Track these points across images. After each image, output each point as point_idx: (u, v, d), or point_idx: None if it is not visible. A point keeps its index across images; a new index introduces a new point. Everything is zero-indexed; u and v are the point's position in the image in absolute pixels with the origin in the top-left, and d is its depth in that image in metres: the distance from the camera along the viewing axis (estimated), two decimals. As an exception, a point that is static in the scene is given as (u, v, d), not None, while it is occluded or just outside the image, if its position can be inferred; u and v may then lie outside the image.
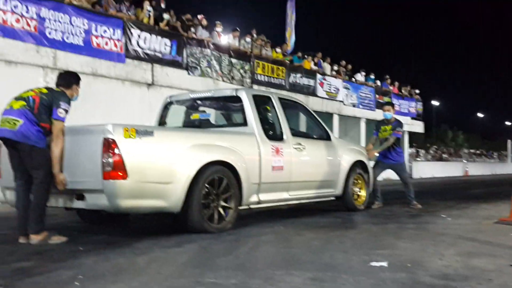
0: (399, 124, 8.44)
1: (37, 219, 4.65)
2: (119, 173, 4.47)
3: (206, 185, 5.22)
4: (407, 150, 25.68)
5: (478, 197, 11.03)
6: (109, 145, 4.46)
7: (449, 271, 3.51)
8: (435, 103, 48.50)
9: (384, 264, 3.71)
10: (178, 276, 3.38)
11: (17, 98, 4.72)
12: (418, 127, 26.74)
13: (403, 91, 25.50)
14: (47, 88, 4.96)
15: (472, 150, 41.95)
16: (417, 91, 26.85)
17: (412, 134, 26.81)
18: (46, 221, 4.77)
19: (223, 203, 5.47)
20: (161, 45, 12.84)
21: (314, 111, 7.80)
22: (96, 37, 11.25)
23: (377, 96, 22.71)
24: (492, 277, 3.33)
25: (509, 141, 42.93)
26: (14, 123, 4.55)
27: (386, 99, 23.26)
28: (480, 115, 59.78)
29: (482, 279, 3.25)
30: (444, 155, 36.16)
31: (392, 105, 8.87)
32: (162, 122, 6.96)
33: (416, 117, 26.27)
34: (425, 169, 28.65)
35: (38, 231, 4.65)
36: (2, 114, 4.70)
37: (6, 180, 5.26)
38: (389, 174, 9.77)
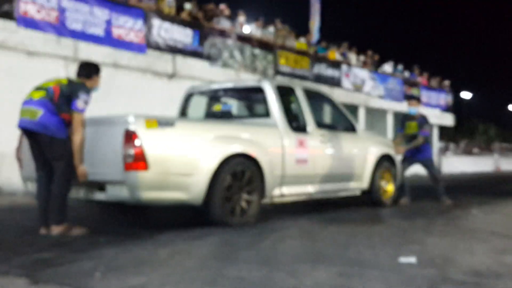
0: (425, 120, 8.08)
1: (58, 210, 4.64)
2: (140, 164, 4.42)
3: (229, 177, 5.13)
4: (436, 144, 25.24)
5: (510, 193, 10.75)
6: (130, 136, 4.41)
7: (481, 268, 3.38)
8: (466, 95, 47.62)
9: (413, 260, 3.58)
10: (200, 269, 3.32)
11: (37, 88, 4.70)
12: (448, 120, 26.13)
13: (432, 82, 24.98)
14: (67, 78, 4.93)
15: (504, 144, 41.07)
16: (448, 82, 26.25)
17: (441, 128, 26.32)
18: (67, 213, 4.75)
19: (245, 196, 5.37)
20: (182, 35, 12.76)
21: (340, 104, 7.64)
22: (117, 27, 11.23)
23: (405, 87, 22.29)
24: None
25: None
26: (34, 114, 4.53)
27: (414, 90, 22.88)
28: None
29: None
30: (475, 150, 35.48)
31: (418, 99, 8.59)
32: (183, 113, 6.90)
33: (446, 109, 25.69)
34: (455, 164, 28.10)
35: (59, 222, 4.63)
36: (22, 104, 4.69)
37: (27, 171, 5.27)
38: (417, 170, 9.54)
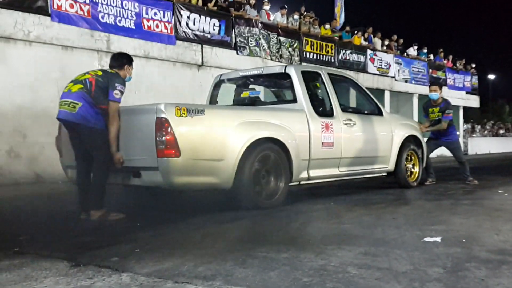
0: (447, 105, 8.09)
1: (97, 196, 4.86)
2: (172, 151, 4.57)
3: (257, 161, 5.28)
4: (462, 126, 24.94)
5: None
6: (162, 124, 4.57)
7: (506, 246, 3.41)
8: (491, 76, 46.68)
9: (438, 239, 3.65)
10: (230, 250, 3.45)
11: (75, 82, 4.89)
12: (474, 102, 25.84)
13: (457, 65, 24.63)
14: (102, 70, 5.13)
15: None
16: (473, 65, 25.89)
17: (467, 109, 25.98)
18: (105, 198, 4.96)
19: (273, 180, 5.52)
20: (210, 25, 12.91)
21: (366, 88, 7.67)
22: (147, 20, 11.44)
23: (430, 70, 22.06)
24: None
25: None
26: (74, 106, 4.73)
27: (440, 73, 22.62)
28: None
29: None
30: (501, 131, 34.81)
31: (439, 85, 8.59)
32: (213, 101, 7.03)
33: (472, 91, 25.38)
34: (481, 145, 27.72)
35: (98, 208, 4.85)
36: (61, 97, 4.90)
37: (67, 159, 5.49)
38: (443, 151, 9.52)
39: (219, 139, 5.01)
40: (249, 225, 4.53)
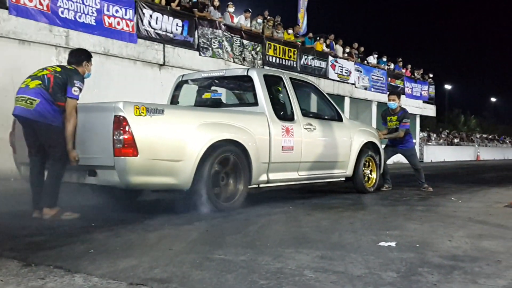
0: (405, 114, 8.31)
1: (51, 194, 4.74)
2: (130, 150, 4.51)
3: (216, 163, 5.26)
4: (418, 134, 25.57)
5: (489, 181, 10.98)
6: (120, 122, 4.49)
7: (458, 252, 3.50)
8: (448, 87, 48.09)
9: (393, 244, 3.72)
10: (188, 252, 3.42)
11: (33, 77, 4.77)
12: (430, 110, 26.58)
13: (415, 74, 25.30)
14: (60, 66, 5.01)
15: (484, 135, 41.62)
16: (431, 75, 26.64)
17: (423, 118, 26.69)
18: (60, 197, 4.84)
19: (232, 182, 5.51)
20: (172, 25, 12.82)
21: (326, 94, 7.76)
22: (108, 17, 11.26)
23: (389, 79, 22.57)
24: (501, 258, 3.32)
25: None
26: (31, 102, 4.61)
27: (398, 82, 23.15)
28: (493, 99, 59.19)
29: (490, 261, 3.24)
30: (456, 140, 35.92)
31: (398, 94, 8.76)
32: (174, 101, 6.98)
33: (428, 100, 26.12)
34: (436, 153, 28.54)
35: (51, 206, 4.73)
36: (17, 92, 4.76)
37: (21, 155, 5.34)
38: (399, 158, 9.73)
39: (178, 139, 4.96)
40: (207, 227, 4.49)
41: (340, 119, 7.40)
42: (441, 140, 33.89)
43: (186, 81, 7.02)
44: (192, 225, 4.55)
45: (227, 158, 5.40)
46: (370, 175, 7.86)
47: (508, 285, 2.72)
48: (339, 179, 7.46)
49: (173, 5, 12.97)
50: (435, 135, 33.72)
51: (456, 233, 4.26)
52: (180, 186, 5.04)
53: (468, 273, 2.94)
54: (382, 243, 3.75)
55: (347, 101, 19.90)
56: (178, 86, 7.03)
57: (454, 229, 4.45)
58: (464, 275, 2.89)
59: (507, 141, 44.12)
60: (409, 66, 25.04)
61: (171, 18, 12.76)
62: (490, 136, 42.41)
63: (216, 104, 6.54)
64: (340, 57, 19.65)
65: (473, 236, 4.13)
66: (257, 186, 5.96)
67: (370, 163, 7.83)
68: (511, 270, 3.04)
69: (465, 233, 4.25)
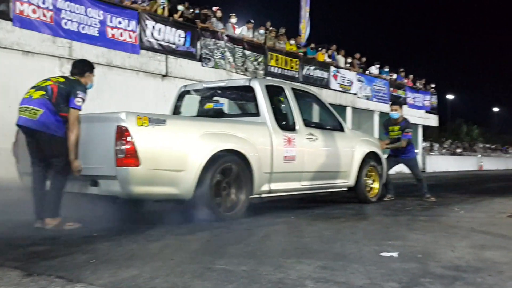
0: (407, 124, 8.33)
1: (53, 204, 4.75)
2: (132, 160, 4.53)
3: (218, 173, 5.27)
4: (420, 144, 25.53)
5: (492, 191, 10.95)
6: (122, 133, 4.52)
7: (461, 262, 3.49)
8: (450, 96, 48.14)
9: (395, 254, 3.71)
10: (189, 262, 3.41)
11: (37, 88, 4.80)
12: (433, 120, 26.55)
13: (417, 84, 25.30)
14: (63, 76, 5.05)
15: (487, 145, 41.56)
16: (433, 84, 26.64)
17: (426, 128, 26.64)
18: (62, 207, 4.85)
19: (234, 192, 5.51)
20: (175, 36, 12.90)
21: (328, 104, 7.77)
22: (111, 28, 11.34)
23: (391, 89, 22.58)
24: (504, 269, 3.31)
25: None
26: (35, 113, 4.64)
27: (400, 92, 23.16)
28: (496, 109, 59.20)
29: (493, 271, 3.23)
30: (459, 150, 35.87)
31: (400, 104, 8.78)
32: (176, 112, 7.01)
33: (431, 110, 26.09)
34: (439, 163, 28.49)
35: (53, 216, 4.74)
36: (21, 103, 4.79)
37: (24, 165, 5.35)
38: (401, 168, 9.72)
39: (180, 149, 4.98)
40: (209, 237, 4.49)
41: (342, 129, 7.41)
42: (444, 150, 33.86)
43: (188, 92, 7.05)
44: (193, 235, 4.55)
45: (229, 168, 5.41)
46: (372, 185, 7.84)
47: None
48: (341, 189, 7.45)
49: (176, 16, 13.06)
50: (437, 145, 33.69)
51: (458, 243, 4.25)
52: (182, 196, 5.05)
53: (470, 283, 2.93)
54: (384, 253, 3.73)
55: (349, 111, 19.91)
56: (181, 97, 7.06)
57: (457, 240, 4.44)
58: (466, 286, 2.88)
59: (510, 151, 44.03)
60: (411, 76, 25.04)
61: (173, 29, 12.84)
62: (493, 146, 42.37)
63: (218, 114, 6.56)
64: (342, 67, 19.69)
65: (475, 246, 4.11)
66: (259, 196, 5.95)
67: (372, 173, 7.81)
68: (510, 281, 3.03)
69: (467, 244, 4.23)
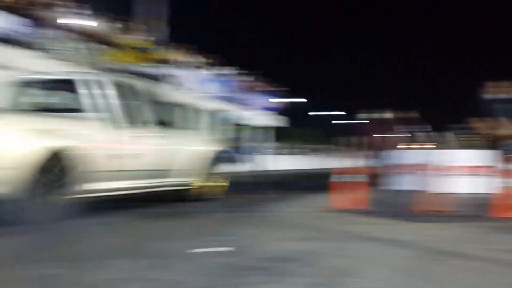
0: (244, 125, 8.72)
1: None
2: None
3: (40, 171, 4.96)
4: (269, 144, 26.71)
5: (309, 188, 11.51)
6: None
7: (278, 254, 3.68)
8: (293, 100, 50.66)
9: (211, 249, 3.84)
10: (2, 267, 3.20)
11: None
12: (276, 122, 27.97)
13: (269, 87, 26.43)
14: None
15: (319, 146, 44.78)
16: (283, 88, 28.11)
17: (265, 129, 27.90)
18: None
19: (56, 191, 5.22)
20: (7, 22, 11.94)
21: (166, 102, 7.75)
22: None
23: (237, 90, 23.20)
24: (320, 258, 3.60)
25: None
26: None
27: (246, 93, 23.96)
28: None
29: (309, 260, 3.50)
30: (295, 150, 38.36)
31: (237, 104, 9.13)
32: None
33: (279, 112, 27.69)
34: (277, 162, 29.91)
35: None
36: None
37: None
38: (238, 166, 10.10)
39: None
40: (23, 241, 4.22)
41: (179, 127, 7.45)
42: (281, 151, 35.78)
43: (16, 83, 6.56)
44: (5, 239, 4.24)
45: (52, 166, 5.13)
46: (206, 184, 7.96)
47: (315, 282, 2.91)
48: (176, 188, 7.48)
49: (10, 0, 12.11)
50: (277, 146, 35.42)
51: (277, 236, 4.55)
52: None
53: (287, 274, 3.09)
54: (199, 249, 3.83)
55: (190, 109, 20.03)
56: (7, 88, 6.54)
57: (275, 233, 4.73)
58: (282, 276, 3.02)
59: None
60: (263, 78, 26.01)
61: (10, 16, 11.88)
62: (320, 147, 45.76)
63: (45, 108, 6.21)
64: (185, 66, 19.81)
65: (294, 238, 4.43)
66: (84, 196, 5.70)
67: (206, 172, 7.93)
68: (326, 269, 3.29)
69: (287, 236, 4.54)
